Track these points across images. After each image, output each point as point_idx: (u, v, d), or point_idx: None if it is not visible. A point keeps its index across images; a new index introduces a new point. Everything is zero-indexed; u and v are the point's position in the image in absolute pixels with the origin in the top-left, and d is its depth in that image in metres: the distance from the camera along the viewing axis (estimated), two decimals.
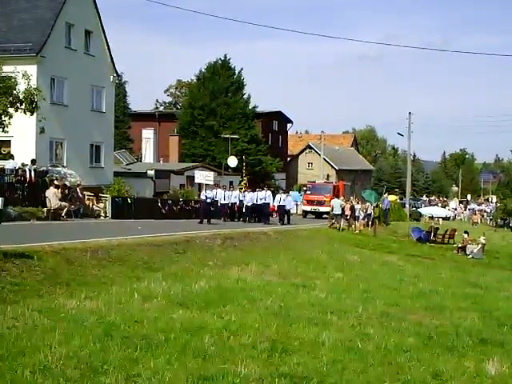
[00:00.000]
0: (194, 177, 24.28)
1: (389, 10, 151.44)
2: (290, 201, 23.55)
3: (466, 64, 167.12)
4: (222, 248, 13.13)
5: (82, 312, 6.26)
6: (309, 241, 17.76)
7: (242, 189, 26.16)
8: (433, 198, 62.33)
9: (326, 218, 28.82)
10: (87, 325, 5.74)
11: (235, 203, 22.50)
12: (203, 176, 22.98)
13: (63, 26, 24.51)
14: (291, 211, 24.73)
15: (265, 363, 5.05)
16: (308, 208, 31.23)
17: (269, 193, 22.64)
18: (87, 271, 8.68)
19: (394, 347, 5.97)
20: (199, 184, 25.89)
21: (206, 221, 19.18)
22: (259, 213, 22.24)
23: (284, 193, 24.28)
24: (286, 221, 22.74)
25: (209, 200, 19.91)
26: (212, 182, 22.81)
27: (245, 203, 22.59)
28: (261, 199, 21.99)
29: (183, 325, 6.00)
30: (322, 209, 30.22)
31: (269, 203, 22.29)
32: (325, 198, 30.29)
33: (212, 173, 23.66)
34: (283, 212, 22.91)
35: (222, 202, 22.23)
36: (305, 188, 34.78)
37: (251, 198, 22.53)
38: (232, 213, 22.61)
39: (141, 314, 6.34)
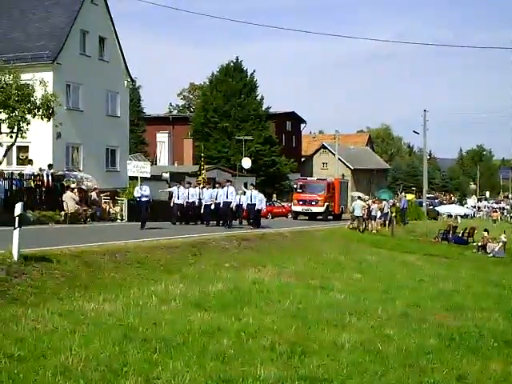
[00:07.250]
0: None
1: (400, 7, 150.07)
2: (261, 199, 18.84)
3: (480, 59, 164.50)
4: (238, 250, 13.10)
5: (100, 314, 6.28)
6: (325, 241, 17.63)
7: (200, 185, 21.81)
8: (437, 194, 60.32)
9: (320, 220, 26.63)
10: (106, 327, 5.76)
11: (193, 202, 18.73)
12: (137, 168, 17.67)
13: (78, 34, 24.92)
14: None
15: (284, 365, 5.00)
16: (299, 208, 27.65)
17: (232, 189, 18.03)
18: (105, 274, 8.73)
19: (415, 349, 5.86)
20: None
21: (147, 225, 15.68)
22: (220, 214, 18.28)
23: (255, 189, 19.39)
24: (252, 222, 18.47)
25: (145, 198, 16.05)
26: (148, 175, 18.13)
27: (203, 202, 18.57)
28: (221, 197, 17.77)
29: (201, 327, 5.98)
30: (315, 209, 27.12)
31: (230, 202, 17.82)
32: (318, 198, 27.23)
33: (148, 163, 18.34)
34: (252, 212, 18.62)
35: (176, 201, 18.69)
36: (295, 186, 29.58)
37: (210, 195, 18.46)
38: (188, 214, 19.04)
39: (159, 317, 6.34)
